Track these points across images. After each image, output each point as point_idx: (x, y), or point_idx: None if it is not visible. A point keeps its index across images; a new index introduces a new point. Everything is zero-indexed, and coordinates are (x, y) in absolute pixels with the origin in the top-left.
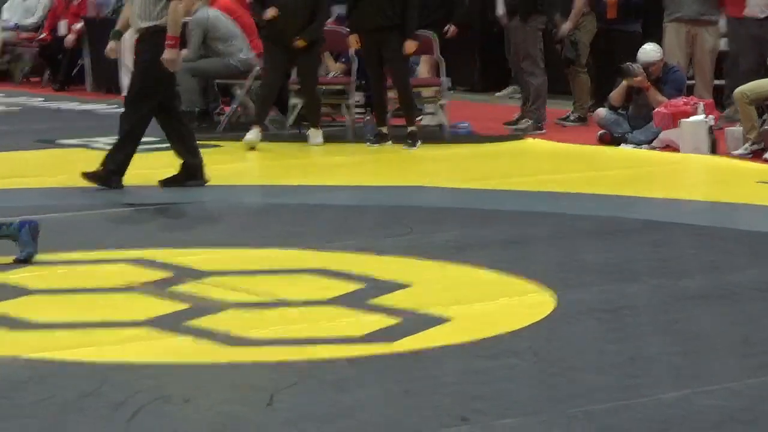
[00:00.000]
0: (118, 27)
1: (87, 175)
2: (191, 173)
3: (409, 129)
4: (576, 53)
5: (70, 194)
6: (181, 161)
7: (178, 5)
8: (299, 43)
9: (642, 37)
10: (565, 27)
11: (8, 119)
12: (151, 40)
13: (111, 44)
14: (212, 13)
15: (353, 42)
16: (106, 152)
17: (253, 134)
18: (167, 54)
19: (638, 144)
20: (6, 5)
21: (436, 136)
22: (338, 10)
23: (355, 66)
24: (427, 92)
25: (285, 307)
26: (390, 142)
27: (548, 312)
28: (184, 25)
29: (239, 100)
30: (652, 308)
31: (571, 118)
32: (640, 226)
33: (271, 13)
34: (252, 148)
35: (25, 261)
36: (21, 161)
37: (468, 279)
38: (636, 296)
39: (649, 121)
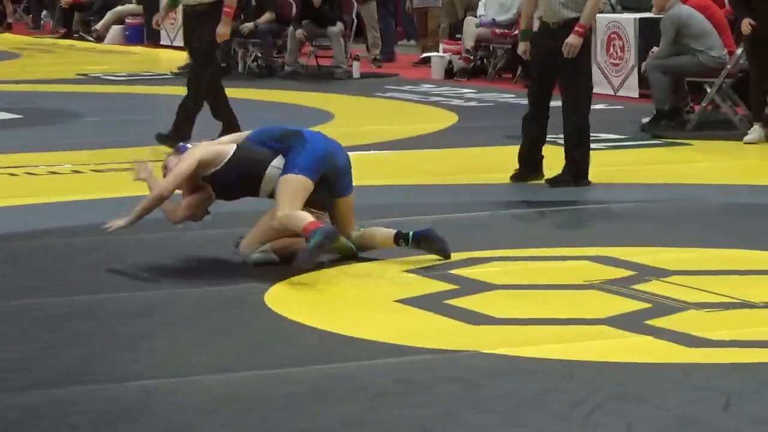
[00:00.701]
0: (523, 27)
1: (549, 181)
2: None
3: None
4: None
5: (529, 190)
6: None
7: None
8: None
9: None
10: None
11: (480, 115)
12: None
13: (522, 46)
14: (686, 10)
15: None
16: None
17: (754, 133)
18: (570, 39)
19: None
20: (483, 1)
21: None
22: None
23: None
24: None
25: (748, 308)
26: None
27: None
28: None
29: (709, 98)
30: None
31: None
32: None
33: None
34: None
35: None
36: (489, 157)
37: None
38: None
39: None
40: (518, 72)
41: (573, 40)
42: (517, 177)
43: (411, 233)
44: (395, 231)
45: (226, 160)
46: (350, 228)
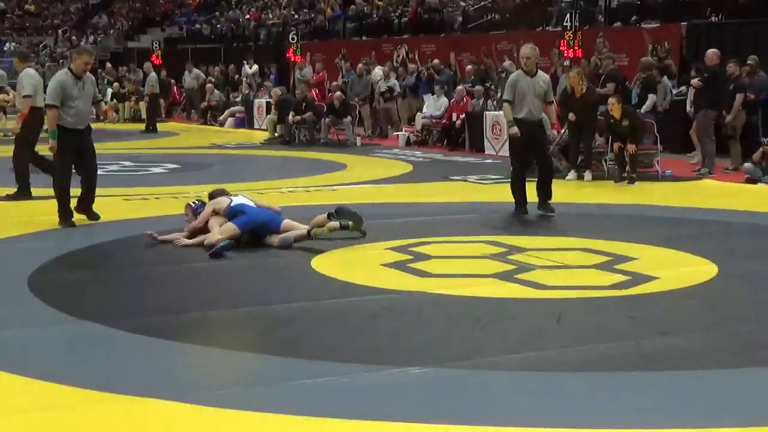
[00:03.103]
0: (510, 119)
1: (544, 209)
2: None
3: (632, 175)
4: (733, 132)
5: (459, 206)
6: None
7: (553, 107)
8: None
9: (757, 123)
10: (729, 118)
11: (425, 166)
12: (543, 125)
13: (514, 129)
14: None
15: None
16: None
17: (571, 175)
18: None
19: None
20: (426, 104)
21: (654, 177)
22: None
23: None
24: (649, 153)
25: (568, 268)
26: (626, 181)
27: (714, 275)
28: None
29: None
30: None
31: (730, 168)
32: None
33: (571, 117)
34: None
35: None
36: (431, 188)
37: (671, 256)
38: None
39: None
40: (444, 142)
41: (553, 132)
42: (522, 210)
43: (334, 210)
44: (327, 213)
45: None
46: (296, 228)
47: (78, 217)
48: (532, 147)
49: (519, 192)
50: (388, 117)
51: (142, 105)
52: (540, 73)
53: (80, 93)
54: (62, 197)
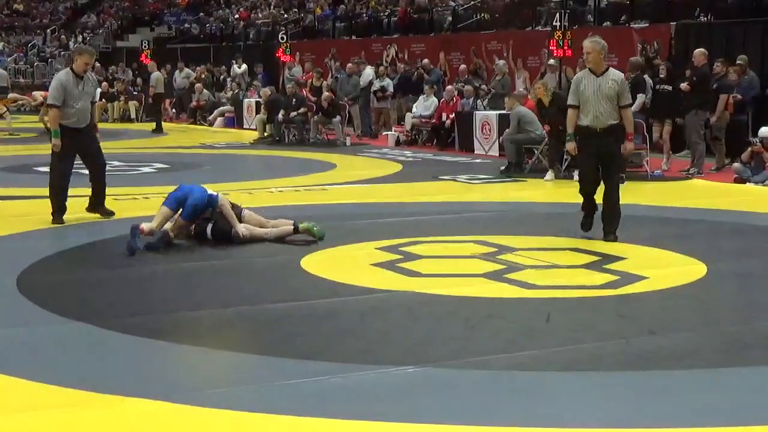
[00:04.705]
0: (571, 131)
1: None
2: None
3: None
4: (719, 133)
5: (448, 206)
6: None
7: (630, 111)
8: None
9: (747, 122)
10: (713, 119)
11: (414, 165)
12: (617, 133)
13: (570, 145)
14: (523, 109)
15: None
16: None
17: (549, 175)
18: (628, 146)
19: (756, 183)
20: (416, 104)
21: (643, 177)
22: None
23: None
24: (638, 153)
25: (557, 268)
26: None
27: (703, 275)
28: None
29: (536, 156)
30: None
31: (712, 169)
32: (763, 228)
33: (545, 128)
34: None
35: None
36: (421, 188)
37: (658, 255)
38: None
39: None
40: (434, 141)
41: (629, 145)
42: (585, 228)
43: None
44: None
45: None
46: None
47: (73, 216)
48: (598, 159)
49: (585, 212)
50: (379, 116)
51: (132, 105)
52: (611, 70)
53: (81, 93)
54: (57, 195)
